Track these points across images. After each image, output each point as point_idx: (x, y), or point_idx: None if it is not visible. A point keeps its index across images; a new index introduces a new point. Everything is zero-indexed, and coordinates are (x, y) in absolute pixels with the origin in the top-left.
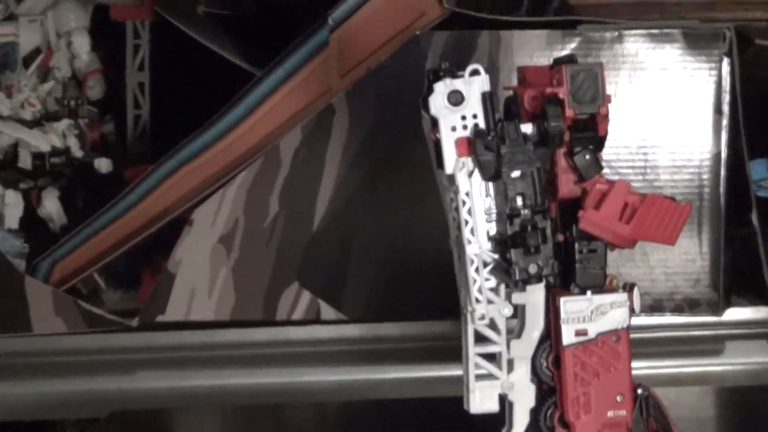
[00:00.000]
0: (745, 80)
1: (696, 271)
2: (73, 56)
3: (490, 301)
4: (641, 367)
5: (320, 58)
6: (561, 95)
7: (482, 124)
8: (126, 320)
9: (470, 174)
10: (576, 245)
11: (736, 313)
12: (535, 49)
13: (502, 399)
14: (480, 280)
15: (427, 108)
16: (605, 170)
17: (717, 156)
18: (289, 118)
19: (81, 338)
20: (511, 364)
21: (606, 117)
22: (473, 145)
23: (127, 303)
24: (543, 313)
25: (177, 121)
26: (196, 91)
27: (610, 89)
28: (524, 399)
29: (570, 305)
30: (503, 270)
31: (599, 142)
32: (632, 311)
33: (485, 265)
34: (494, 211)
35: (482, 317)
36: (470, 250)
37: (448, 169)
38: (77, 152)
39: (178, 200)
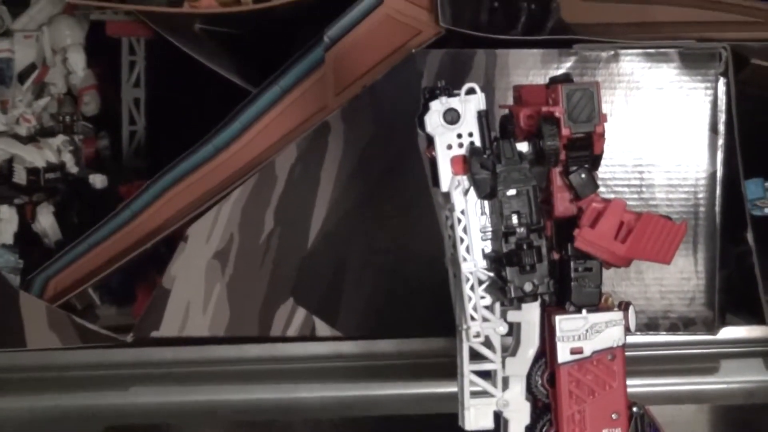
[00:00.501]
0: (740, 100)
1: (691, 290)
2: (68, 72)
3: (485, 319)
4: (636, 385)
5: (316, 75)
6: (557, 114)
7: (478, 143)
8: (120, 336)
9: (466, 192)
10: (571, 264)
11: (731, 332)
12: (530, 68)
13: (497, 416)
14: (475, 298)
15: (422, 126)
16: (601, 189)
17: (713, 175)
18: (284, 135)
19: (75, 353)
20: (506, 381)
21: (602, 136)
22: (469, 163)
23: (121, 318)
24: (538, 331)
25: (172, 138)
26: (192, 107)
27: (606, 108)
28: (519, 417)
29: (565, 323)
30: (498, 288)
31: (595, 161)
32: (627, 330)
33: (480, 283)
34: (490, 229)
35: (477, 335)
36: (465, 268)
37: (444, 187)
38: (72, 168)
39: (173, 216)
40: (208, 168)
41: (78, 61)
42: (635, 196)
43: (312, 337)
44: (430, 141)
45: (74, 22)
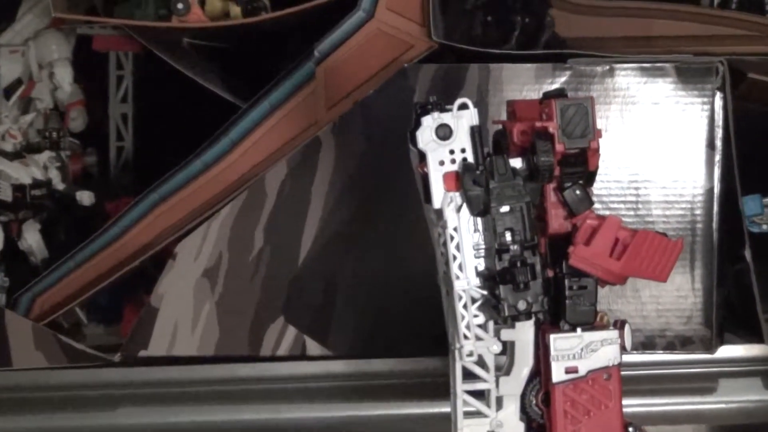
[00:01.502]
0: (738, 115)
1: (688, 308)
2: (55, 87)
3: (478, 338)
4: (633, 405)
5: (306, 90)
6: (551, 129)
7: (471, 159)
8: (108, 355)
9: (458, 209)
10: (566, 281)
11: (729, 351)
12: (524, 83)
13: None
14: (468, 317)
15: (414, 142)
16: (596, 205)
17: (710, 191)
18: (274, 151)
19: (62, 373)
20: (500, 401)
21: (597, 152)
22: (461, 179)
23: (108, 338)
24: (532, 350)
25: (160, 154)
26: (180, 123)
27: (601, 123)
28: None
29: (560, 342)
30: (492, 306)
31: (590, 177)
32: (623, 348)
33: (473, 301)
34: (483, 246)
35: (470, 354)
36: (458, 286)
37: (436, 203)
38: (59, 185)
39: (161, 234)
40: (196, 185)
41: (65, 75)
42: (631, 212)
43: (303, 357)
44: (422, 157)
45: (61, 36)
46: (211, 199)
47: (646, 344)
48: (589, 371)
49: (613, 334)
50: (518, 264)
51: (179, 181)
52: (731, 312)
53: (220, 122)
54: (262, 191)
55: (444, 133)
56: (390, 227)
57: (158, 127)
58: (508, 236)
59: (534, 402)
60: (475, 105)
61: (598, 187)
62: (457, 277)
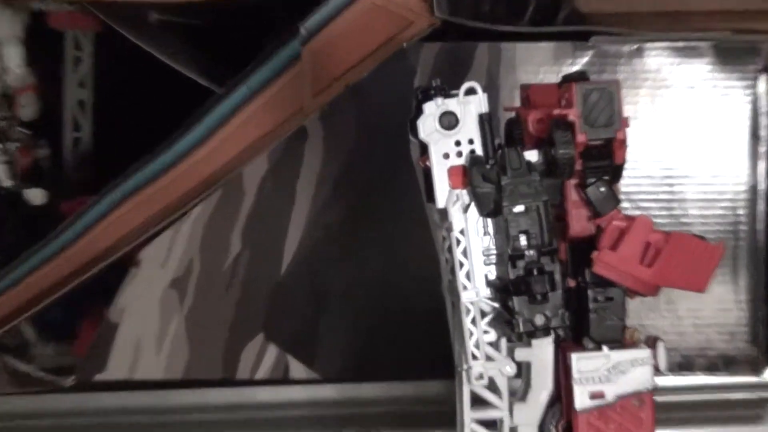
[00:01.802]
0: None
1: (732, 323)
2: (2, 70)
3: (489, 358)
4: None
5: (290, 73)
6: (571, 117)
7: (479, 151)
8: (60, 379)
9: (466, 209)
10: (589, 292)
11: None
12: (541, 65)
13: None
14: (477, 333)
15: (415, 132)
16: (624, 204)
17: (753, 188)
18: (253, 142)
19: (7, 401)
20: None
21: (623, 143)
22: (469, 174)
23: (61, 358)
24: (552, 371)
25: (123, 146)
26: (146, 111)
27: (628, 111)
28: None
29: (583, 363)
30: (505, 321)
31: (616, 172)
32: (657, 370)
33: (483, 315)
34: (494, 251)
35: (480, 376)
36: (466, 298)
37: (440, 202)
38: (6, 181)
39: (122, 237)
40: (164, 181)
41: (14, 56)
42: (664, 212)
43: (285, 380)
44: (424, 149)
45: (11, 13)
46: (181, 197)
47: (683, 365)
48: (618, 396)
49: (644, 353)
50: (535, 272)
51: (145, 176)
52: None
53: (192, 109)
54: (239, 189)
55: (449, 121)
56: (387, 230)
57: (121, 116)
58: (523, 240)
59: None
60: (485, 90)
61: (625, 184)
62: (465, 288)
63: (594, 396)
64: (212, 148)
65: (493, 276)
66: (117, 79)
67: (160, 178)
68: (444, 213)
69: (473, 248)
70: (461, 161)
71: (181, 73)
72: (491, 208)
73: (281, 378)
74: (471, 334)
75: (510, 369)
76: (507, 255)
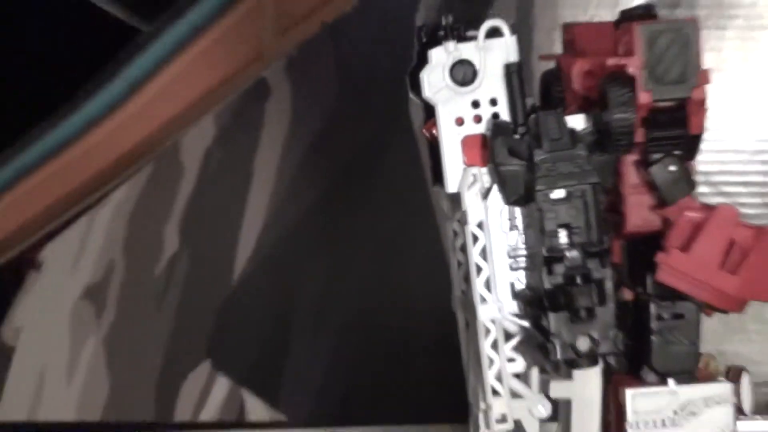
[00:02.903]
0: None
1: None
2: None
3: (514, 395)
4: None
5: (246, 4)
6: (631, 70)
7: (505, 116)
8: None
9: (486, 194)
10: (652, 307)
11: None
12: None
13: None
14: (499, 361)
15: (417, 89)
16: (700, 189)
17: None
18: (194, 101)
19: None
20: None
21: (702, 105)
22: (491, 147)
23: None
24: (598, 413)
25: (12, 108)
26: (45, 58)
27: (709, 61)
28: None
29: (642, 401)
30: (537, 346)
31: (691, 145)
32: (740, 411)
33: (508, 337)
34: (523, 252)
35: (502, 419)
36: (484, 314)
37: (451, 185)
38: None
39: (14, 232)
40: (71, 154)
41: None
42: (756, 200)
43: (240, 423)
44: (429, 112)
45: None
46: (95, 176)
47: None
48: None
49: (724, 388)
50: (578, 280)
51: (45, 148)
52: None
53: (109, 55)
54: (175, 164)
55: (464, 74)
56: (376, 222)
57: (7, 65)
58: (563, 237)
59: None
60: (513, 31)
61: (703, 161)
62: (483, 300)
63: None
64: (137, 109)
65: (521, 285)
66: (3, 14)
67: (65, 151)
68: (456, 199)
69: (495, 248)
70: (480, 129)
71: (94, 5)
72: (520, 194)
73: (234, 421)
74: (491, 362)
75: (543, 409)
76: (541, 257)
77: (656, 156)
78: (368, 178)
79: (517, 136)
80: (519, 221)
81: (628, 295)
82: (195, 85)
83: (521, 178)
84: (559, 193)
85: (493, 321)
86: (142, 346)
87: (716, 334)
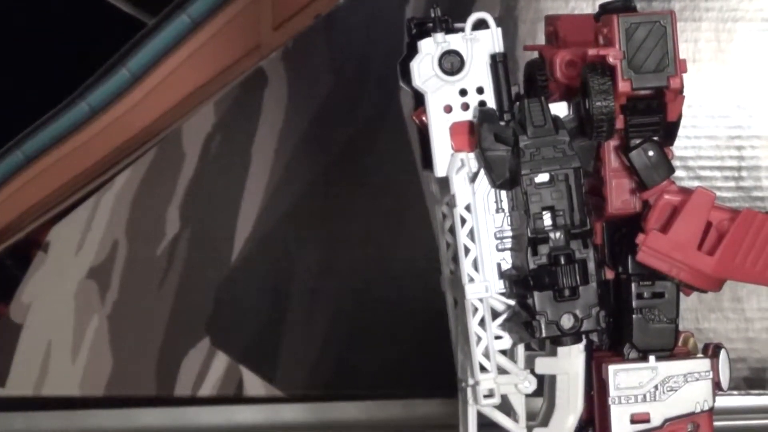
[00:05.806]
0: None
1: None
2: None
3: (501, 371)
4: None
5: None
6: (611, 60)
7: (491, 103)
8: None
9: (473, 178)
10: (633, 287)
11: None
12: None
13: None
14: (487, 339)
15: (408, 78)
16: (678, 173)
17: None
18: (196, 89)
19: None
20: None
21: (679, 93)
22: (478, 133)
23: None
24: (582, 388)
25: (21, 95)
26: (47, 49)
27: (685, 51)
28: None
29: (624, 377)
30: (523, 323)
31: (669, 131)
32: (718, 387)
33: (495, 315)
34: (509, 233)
35: (490, 394)
36: (472, 293)
37: (440, 170)
38: None
39: (22, 214)
40: (78, 140)
41: None
42: (731, 183)
43: (238, 399)
44: (419, 100)
45: None
46: (100, 161)
47: (752, 381)
48: (667, 420)
49: (702, 365)
50: (562, 260)
51: (53, 134)
52: None
53: (112, 48)
54: (177, 150)
55: (452, 64)
56: (369, 205)
57: (10, 56)
58: (548, 219)
59: None
60: (499, 22)
61: (680, 146)
62: (471, 280)
63: (636, 419)
64: (141, 97)
65: (507, 265)
66: (5, 7)
67: (73, 136)
68: (445, 183)
69: (482, 229)
70: (467, 116)
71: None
72: (506, 178)
73: (233, 395)
74: (479, 339)
75: (528, 384)
76: (526, 238)
77: (636, 141)
78: (361, 162)
79: (502, 123)
80: (505, 204)
81: (609, 275)
82: (195, 76)
83: (507, 162)
84: (543, 177)
85: (480, 300)
86: (144, 323)
87: (694, 313)
